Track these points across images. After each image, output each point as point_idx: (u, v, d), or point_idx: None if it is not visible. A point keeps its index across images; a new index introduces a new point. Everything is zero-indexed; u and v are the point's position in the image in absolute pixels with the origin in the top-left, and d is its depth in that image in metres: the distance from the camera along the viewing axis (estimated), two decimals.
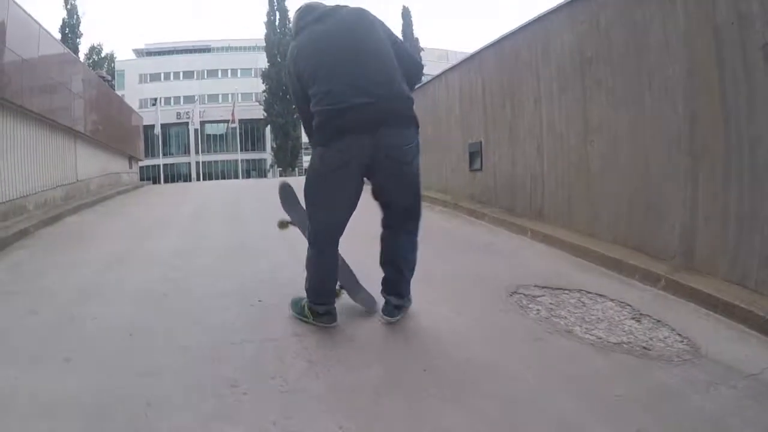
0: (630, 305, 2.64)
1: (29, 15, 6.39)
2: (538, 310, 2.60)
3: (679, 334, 2.30)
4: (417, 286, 2.86)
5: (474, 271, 3.36)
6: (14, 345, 2.34)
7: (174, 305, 2.79)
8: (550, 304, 2.68)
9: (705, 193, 2.88)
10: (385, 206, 2.34)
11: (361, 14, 2.19)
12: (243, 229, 5.13)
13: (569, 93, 4.12)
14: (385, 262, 2.39)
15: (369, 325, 2.41)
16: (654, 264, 3.07)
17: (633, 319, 2.47)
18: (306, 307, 2.33)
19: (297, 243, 2.93)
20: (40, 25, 6.79)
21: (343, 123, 2.03)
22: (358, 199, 2.23)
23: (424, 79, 6.53)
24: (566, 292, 2.86)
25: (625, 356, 2.09)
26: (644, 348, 2.16)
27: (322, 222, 2.21)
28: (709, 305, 2.56)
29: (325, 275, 2.29)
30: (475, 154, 5.88)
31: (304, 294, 2.37)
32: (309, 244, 2.28)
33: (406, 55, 2.26)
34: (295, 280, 2.97)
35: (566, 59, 4.15)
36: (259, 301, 2.78)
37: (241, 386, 1.87)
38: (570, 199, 4.16)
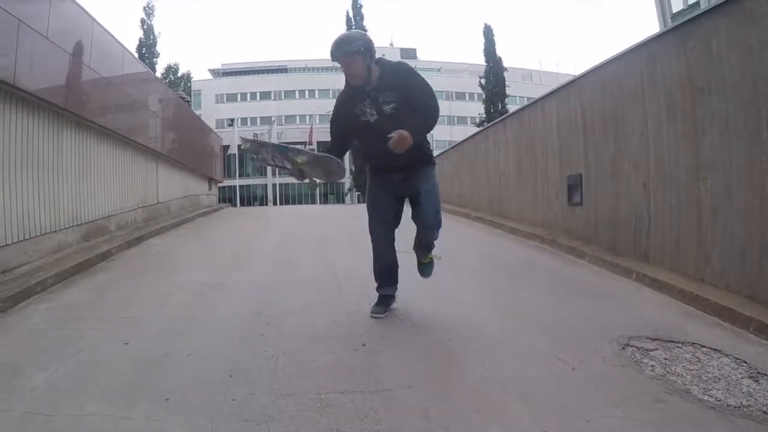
0: (746, 362, 2.72)
1: (112, 36, 7.01)
2: (652, 366, 2.73)
3: None
4: (526, 331, 3.16)
5: (581, 317, 3.53)
6: (108, 379, 2.45)
7: (272, 345, 2.92)
8: (665, 359, 2.81)
9: None
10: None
11: None
12: (332, 261, 5.46)
13: (679, 125, 4.19)
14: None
15: (482, 375, 2.61)
16: None
17: (750, 378, 2.56)
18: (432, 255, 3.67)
19: None
20: (123, 47, 7.47)
21: None
22: None
23: (514, 103, 6.76)
24: (679, 345, 2.98)
25: (745, 422, 2.18)
26: (764, 413, 2.25)
27: None
28: None
29: None
30: (574, 187, 6.02)
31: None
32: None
33: None
34: (394, 321, 3.35)
35: (675, 88, 4.22)
36: (363, 345, 2.92)
37: None
38: (679, 240, 4.21)
